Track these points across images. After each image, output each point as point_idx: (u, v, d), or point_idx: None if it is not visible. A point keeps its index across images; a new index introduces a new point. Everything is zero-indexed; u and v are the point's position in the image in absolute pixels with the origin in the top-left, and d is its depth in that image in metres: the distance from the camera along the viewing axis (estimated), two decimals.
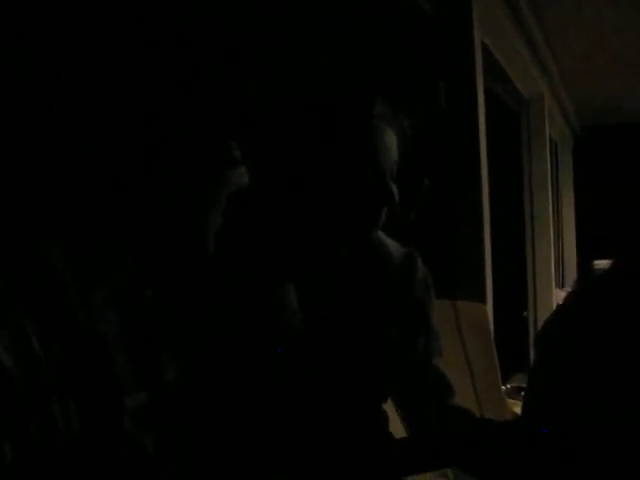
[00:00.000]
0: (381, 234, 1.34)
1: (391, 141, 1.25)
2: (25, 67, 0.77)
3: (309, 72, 1.39)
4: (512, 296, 5.33)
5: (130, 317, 0.84)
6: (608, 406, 1.14)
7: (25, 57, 0.77)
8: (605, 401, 1.14)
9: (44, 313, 0.74)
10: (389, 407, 1.42)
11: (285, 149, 1.23)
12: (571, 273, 7.79)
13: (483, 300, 3.29)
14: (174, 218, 0.86)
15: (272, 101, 1.19)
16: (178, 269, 0.96)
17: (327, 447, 1.24)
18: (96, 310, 0.79)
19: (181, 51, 0.82)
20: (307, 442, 1.23)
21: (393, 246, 1.36)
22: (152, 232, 0.86)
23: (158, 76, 0.81)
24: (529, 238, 5.80)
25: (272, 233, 1.27)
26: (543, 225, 5.83)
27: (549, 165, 6.03)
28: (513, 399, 3.10)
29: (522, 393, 2.66)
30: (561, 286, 6.88)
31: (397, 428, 1.42)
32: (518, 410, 2.50)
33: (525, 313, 5.78)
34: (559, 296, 5.58)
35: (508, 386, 3.67)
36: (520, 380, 4.00)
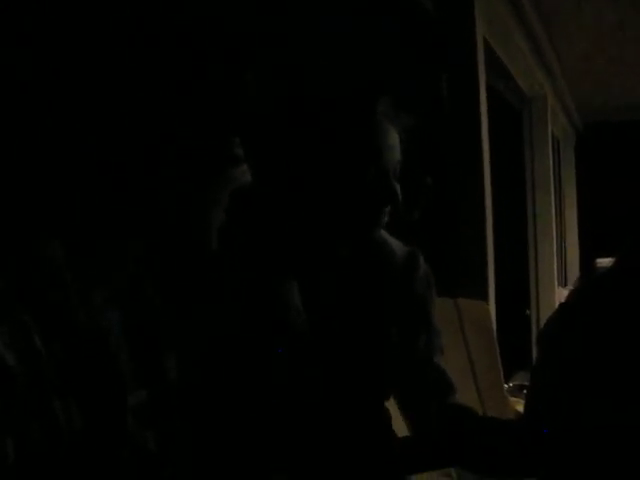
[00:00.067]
0: (384, 232, 1.34)
1: (394, 140, 1.25)
2: (25, 67, 0.77)
3: (310, 71, 1.39)
4: (514, 294, 5.33)
5: (131, 316, 0.84)
6: (611, 404, 1.14)
7: (25, 57, 0.77)
8: (608, 399, 1.14)
9: (45, 312, 0.74)
10: (391, 405, 1.42)
11: (288, 148, 1.23)
12: (574, 271, 7.79)
13: (485, 298, 3.29)
14: (175, 217, 0.86)
15: (273, 100, 1.18)
16: (179, 268, 0.96)
17: (329, 446, 1.24)
18: (97, 309, 0.79)
19: (181, 51, 0.82)
20: (309, 441, 1.23)
21: (395, 244, 1.36)
22: (153, 231, 0.86)
23: (158, 76, 0.81)
24: (531, 236, 5.80)
25: (275, 231, 1.27)
26: (545, 223, 5.83)
27: (551, 163, 6.02)
28: (515, 397, 3.10)
29: (524, 391, 2.66)
30: (563, 284, 6.88)
31: (400, 427, 1.42)
32: (520, 408, 2.49)
33: (527, 311, 5.78)
34: (561, 294, 5.58)
35: (510, 384, 3.67)
36: (522, 378, 4.00)
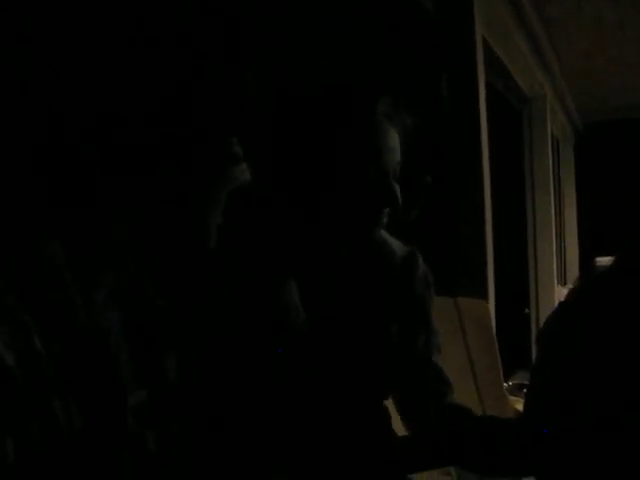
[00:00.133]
0: (383, 232, 1.34)
1: (394, 141, 1.24)
2: (25, 67, 0.77)
3: (310, 71, 1.39)
4: (514, 293, 5.33)
5: (131, 316, 0.84)
6: (610, 403, 1.14)
7: (25, 57, 0.77)
8: (607, 398, 1.14)
9: (45, 312, 0.74)
10: (390, 405, 1.42)
11: (288, 147, 1.23)
12: (573, 270, 7.79)
13: (485, 297, 3.29)
14: (175, 216, 0.86)
15: (273, 100, 1.18)
16: (179, 268, 0.96)
17: (329, 446, 1.24)
18: (97, 309, 0.79)
19: (181, 51, 0.82)
20: (308, 441, 1.23)
21: (395, 244, 1.36)
22: (153, 231, 0.86)
23: (158, 75, 0.81)
24: (531, 235, 5.80)
25: (274, 231, 1.27)
26: (545, 222, 5.83)
27: (551, 162, 6.02)
28: (515, 396, 3.10)
29: (524, 390, 2.66)
30: (563, 283, 6.88)
31: (399, 426, 1.42)
32: (520, 407, 2.49)
33: (527, 310, 5.78)
34: (561, 293, 5.58)
35: (510, 383, 3.67)
36: (522, 377, 4.00)
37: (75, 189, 0.80)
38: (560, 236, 7.20)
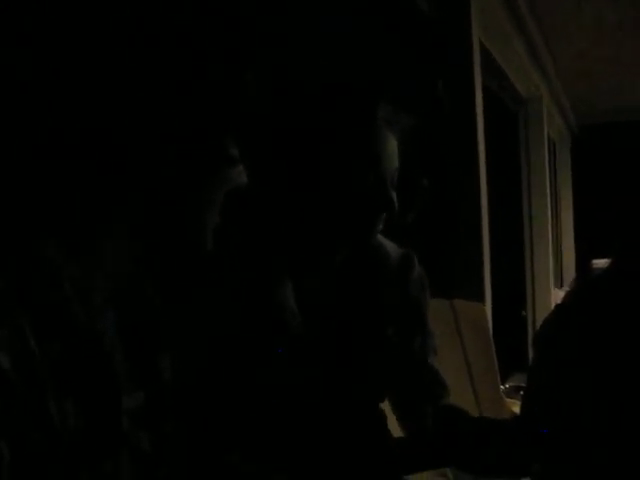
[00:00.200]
0: (378, 235, 1.34)
1: (393, 148, 1.24)
2: (25, 67, 0.77)
3: (310, 71, 1.39)
4: (511, 295, 5.34)
5: (127, 316, 0.84)
6: (607, 404, 1.14)
7: (25, 57, 0.77)
8: (604, 399, 1.14)
9: (40, 313, 0.74)
10: (386, 406, 1.42)
11: (286, 150, 1.23)
12: (570, 272, 7.80)
13: (482, 300, 3.30)
14: (173, 216, 0.86)
15: (273, 100, 1.18)
16: (177, 269, 0.96)
17: (326, 447, 1.24)
18: (94, 310, 0.79)
19: (181, 51, 0.82)
20: (306, 442, 1.23)
21: (390, 247, 1.36)
22: (151, 231, 0.86)
23: (158, 75, 0.81)
24: (527, 237, 5.81)
25: (270, 233, 1.27)
26: (541, 224, 5.84)
27: (547, 164, 6.03)
28: (512, 398, 3.10)
29: (521, 392, 2.66)
30: (560, 286, 6.89)
31: (395, 427, 1.42)
32: (517, 409, 2.50)
33: (524, 312, 5.79)
34: (558, 296, 5.58)
35: (507, 385, 3.67)
36: (519, 379, 4.00)
37: (74, 189, 0.80)
38: (557, 238, 7.21)
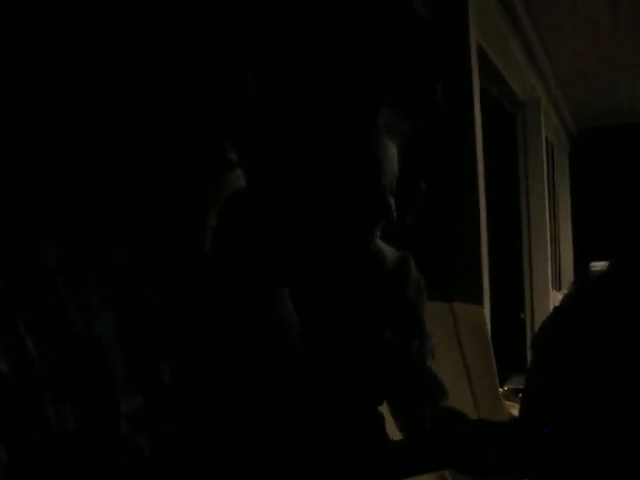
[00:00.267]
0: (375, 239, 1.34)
1: (393, 155, 1.24)
2: (25, 67, 0.77)
3: (311, 72, 1.39)
4: (509, 298, 5.34)
5: (128, 318, 0.84)
6: (605, 407, 1.14)
7: (25, 57, 0.77)
8: (602, 402, 1.14)
9: (40, 315, 0.73)
10: (384, 409, 1.42)
11: (285, 154, 1.23)
12: (568, 275, 7.80)
13: (480, 302, 3.30)
14: (173, 218, 0.86)
15: (273, 102, 1.18)
16: (176, 269, 0.96)
17: (325, 449, 1.24)
18: (94, 312, 0.79)
19: (181, 51, 0.82)
20: (304, 444, 1.23)
21: (387, 250, 1.36)
22: (151, 232, 0.86)
23: (158, 75, 0.81)
24: (526, 240, 5.81)
25: (269, 236, 1.27)
26: (540, 227, 5.84)
27: (545, 167, 6.04)
28: (510, 401, 3.10)
29: (519, 395, 2.66)
30: (558, 288, 6.90)
31: (393, 430, 1.42)
32: (515, 412, 2.50)
33: (522, 315, 5.79)
34: (556, 298, 5.59)
35: (505, 388, 3.67)
36: (517, 382, 4.00)
37: (74, 189, 0.80)
38: (555, 241, 7.21)
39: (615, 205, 6.34)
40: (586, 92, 6.48)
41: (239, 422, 1.19)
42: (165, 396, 0.87)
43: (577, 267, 7.72)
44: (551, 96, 6.17)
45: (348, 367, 1.28)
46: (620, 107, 6.99)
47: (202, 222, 0.88)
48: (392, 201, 1.23)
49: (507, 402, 3.03)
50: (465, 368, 2.76)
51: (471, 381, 2.75)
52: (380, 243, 1.35)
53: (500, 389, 3.12)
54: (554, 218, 7.16)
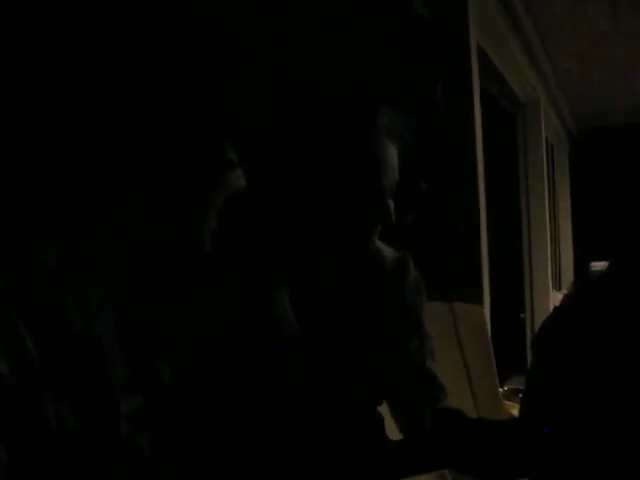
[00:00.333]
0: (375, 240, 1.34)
1: (393, 158, 1.24)
2: (25, 67, 0.77)
3: (311, 72, 1.39)
4: (509, 298, 5.34)
5: (128, 318, 0.84)
6: (605, 407, 1.14)
7: (25, 57, 0.77)
8: (602, 403, 1.14)
9: (40, 316, 0.73)
10: (384, 409, 1.42)
11: (286, 155, 1.23)
12: (568, 275, 7.80)
13: (480, 302, 3.30)
14: (172, 218, 0.86)
15: (272, 102, 1.18)
16: (176, 270, 0.96)
17: (323, 450, 1.24)
18: (94, 312, 0.79)
19: (181, 51, 0.82)
20: (304, 444, 1.23)
21: (385, 251, 1.36)
22: (151, 232, 0.86)
23: (158, 76, 0.81)
24: (526, 240, 5.81)
25: (268, 236, 1.27)
26: (540, 227, 5.84)
27: (545, 167, 6.04)
28: (510, 401, 3.10)
29: (519, 395, 2.66)
30: (558, 288, 6.89)
31: (393, 430, 1.42)
32: (515, 412, 2.50)
33: (522, 315, 5.79)
34: (556, 298, 5.58)
35: (505, 388, 3.67)
36: (517, 382, 4.00)
37: (74, 189, 0.80)
38: (555, 241, 7.21)
39: (615, 205, 6.34)
40: (586, 92, 6.48)
41: (239, 422, 1.19)
42: (165, 396, 0.87)
43: (577, 267, 7.72)
44: (551, 96, 6.17)
45: (347, 367, 1.28)
46: (620, 107, 6.99)
47: (202, 222, 0.88)
48: (391, 203, 1.23)
49: (507, 402, 3.03)
50: (465, 368, 2.76)
51: (471, 381, 2.75)
52: (379, 244, 1.35)
53: (500, 389, 3.12)
54: (554, 218, 7.16)
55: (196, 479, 1.00)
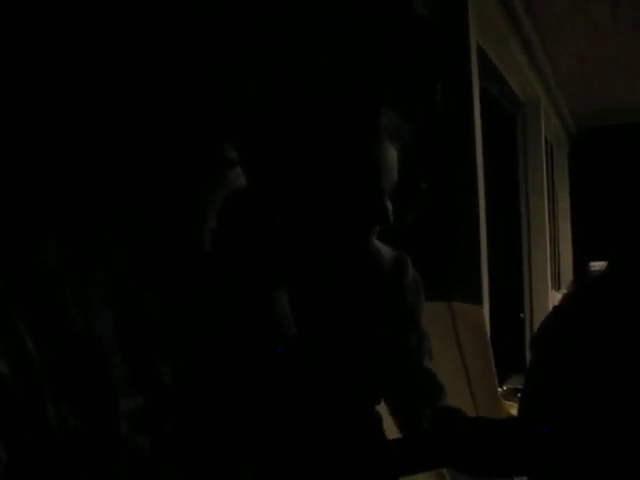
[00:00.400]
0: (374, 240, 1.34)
1: (393, 158, 1.24)
2: (25, 67, 0.77)
3: (311, 72, 1.39)
4: (509, 298, 5.34)
5: (128, 318, 0.84)
6: (604, 407, 1.14)
7: (25, 57, 0.77)
8: (601, 402, 1.14)
9: (40, 316, 0.74)
10: (383, 408, 1.42)
11: (285, 155, 1.23)
12: (567, 275, 7.81)
13: (480, 302, 3.30)
14: (172, 219, 0.86)
15: (272, 102, 1.18)
16: (176, 270, 0.96)
17: (323, 448, 1.24)
18: (94, 312, 0.79)
19: (181, 51, 0.82)
20: (303, 443, 1.23)
21: (384, 250, 1.36)
22: (151, 232, 0.86)
23: (158, 76, 0.81)
24: (525, 240, 5.82)
25: (267, 237, 1.27)
26: (539, 227, 5.84)
27: (545, 167, 6.04)
28: (510, 401, 3.10)
29: (518, 395, 2.66)
30: (557, 288, 6.90)
31: (391, 429, 1.42)
32: (514, 412, 2.50)
33: (521, 315, 5.79)
34: (555, 298, 5.59)
35: (505, 388, 3.67)
36: (517, 382, 4.00)
37: (74, 189, 0.80)
38: (554, 241, 7.22)
39: (615, 205, 6.34)
40: (586, 92, 6.48)
41: (239, 422, 1.19)
42: (165, 396, 0.87)
43: (576, 267, 7.72)
44: (551, 96, 6.17)
45: (346, 367, 1.28)
46: (620, 107, 7.00)
47: (202, 221, 0.88)
48: (390, 204, 1.23)
49: (506, 402, 3.03)
50: (464, 368, 2.76)
51: (470, 381, 2.75)
52: (377, 243, 1.35)
53: (499, 389, 3.12)
54: (553, 218, 7.17)
55: (196, 479, 1.01)
